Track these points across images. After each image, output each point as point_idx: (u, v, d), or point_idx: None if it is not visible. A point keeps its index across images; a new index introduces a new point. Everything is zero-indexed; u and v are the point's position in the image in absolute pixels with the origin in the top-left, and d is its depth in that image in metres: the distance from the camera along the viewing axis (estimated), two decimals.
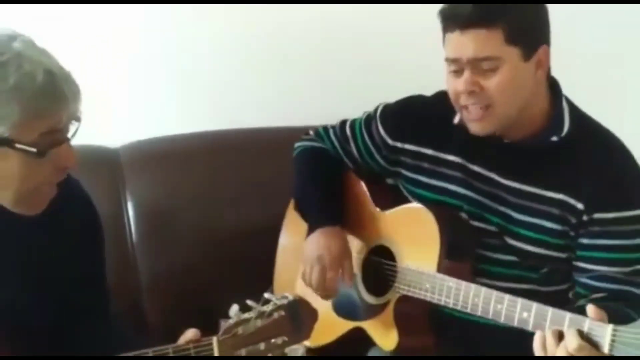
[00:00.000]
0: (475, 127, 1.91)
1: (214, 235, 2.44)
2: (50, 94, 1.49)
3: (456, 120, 1.99)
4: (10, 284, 1.64)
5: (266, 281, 2.28)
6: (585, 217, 1.88)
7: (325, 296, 2.06)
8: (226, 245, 2.44)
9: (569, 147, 1.92)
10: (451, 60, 1.88)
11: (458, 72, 1.88)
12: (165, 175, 2.47)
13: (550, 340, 1.66)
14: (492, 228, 1.97)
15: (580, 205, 1.89)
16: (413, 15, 2.62)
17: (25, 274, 1.66)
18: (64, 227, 1.69)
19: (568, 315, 1.67)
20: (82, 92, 1.55)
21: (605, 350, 1.60)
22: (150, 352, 1.57)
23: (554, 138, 1.92)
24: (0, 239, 1.63)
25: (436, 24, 2.52)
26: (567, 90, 1.99)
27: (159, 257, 2.43)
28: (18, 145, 1.49)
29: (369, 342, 2.05)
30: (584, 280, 1.91)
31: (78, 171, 1.71)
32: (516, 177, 1.95)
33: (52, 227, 1.66)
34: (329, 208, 2.12)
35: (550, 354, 1.67)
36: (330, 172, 2.19)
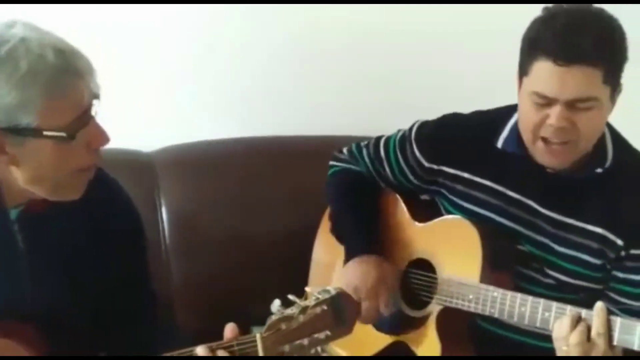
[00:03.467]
0: (551, 161, 1.85)
1: (247, 241, 2.44)
2: (65, 70, 1.47)
3: (500, 144, 1.96)
4: (52, 283, 1.63)
5: (297, 287, 2.21)
6: (623, 253, 1.87)
7: (365, 323, 2.03)
8: (258, 252, 2.44)
9: (610, 179, 1.89)
10: (543, 96, 1.77)
11: (544, 106, 1.78)
12: (198, 181, 2.47)
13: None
14: (531, 252, 1.95)
15: (619, 241, 1.87)
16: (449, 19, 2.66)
17: (67, 273, 1.64)
18: (105, 228, 1.67)
19: (619, 320, 1.66)
20: (96, 69, 1.53)
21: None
22: (195, 349, 1.55)
23: (598, 170, 1.89)
24: (42, 238, 1.62)
25: (468, 30, 2.59)
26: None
27: (191, 261, 2.42)
28: (47, 133, 1.47)
29: (409, 355, 2.03)
30: (612, 309, 1.86)
31: (112, 174, 1.71)
32: (556, 208, 1.92)
33: (93, 227, 1.65)
34: (364, 237, 2.09)
35: (560, 339, 1.69)
36: (366, 198, 2.16)
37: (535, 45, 1.78)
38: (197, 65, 2.58)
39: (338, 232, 2.18)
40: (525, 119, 1.85)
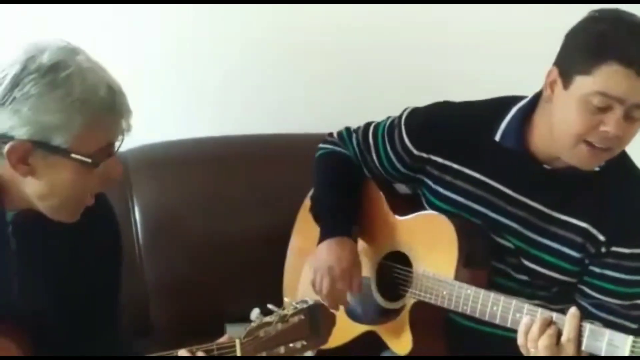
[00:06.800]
0: (587, 164, 1.84)
1: (221, 241, 2.43)
2: (111, 107, 1.53)
3: (497, 137, 1.95)
4: (37, 287, 1.65)
5: (272, 286, 2.28)
6: (603, 249, 1.90)
7: (333, 306, 2.04)
8: (233, 251, 2.43)
9: (602, 176, 1.90)
10: (610, 97, 1.75)
11: (600, 110, 1.76)
12: (172, 180, 2.46)
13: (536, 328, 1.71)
14: (509, 245, 1.96)
15: (601, 237, 1.89)
16: (428, 16, 2.65)
17: (50, 278, 1.66)
18: (90, 237, 1.70)
19: (588, 326, 1.69)
20: None
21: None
22: (176, 352, 1.59)
23: (596, 167, 1.90)
24: (32, 241, 1.64)
25: (451, 26, 2.59)
26: None
27: (165, 261, 2.42)
28: (74, 156, 1.51)
29: (381, 345, 2.06)
30: (584, 304, 1.92)
31: None
32: (545, 202, 1.93)
33: (79, 235, 1.67)
34: (342, 218, 2.10)
35: (531, 341, 1.72)
36: (349, 181, 2.16)
37: (606, 48, 1.74)
38: (169, 64, 2.56)
39: (317, 211, 2.17)
40: (570, 122, 1.80)
